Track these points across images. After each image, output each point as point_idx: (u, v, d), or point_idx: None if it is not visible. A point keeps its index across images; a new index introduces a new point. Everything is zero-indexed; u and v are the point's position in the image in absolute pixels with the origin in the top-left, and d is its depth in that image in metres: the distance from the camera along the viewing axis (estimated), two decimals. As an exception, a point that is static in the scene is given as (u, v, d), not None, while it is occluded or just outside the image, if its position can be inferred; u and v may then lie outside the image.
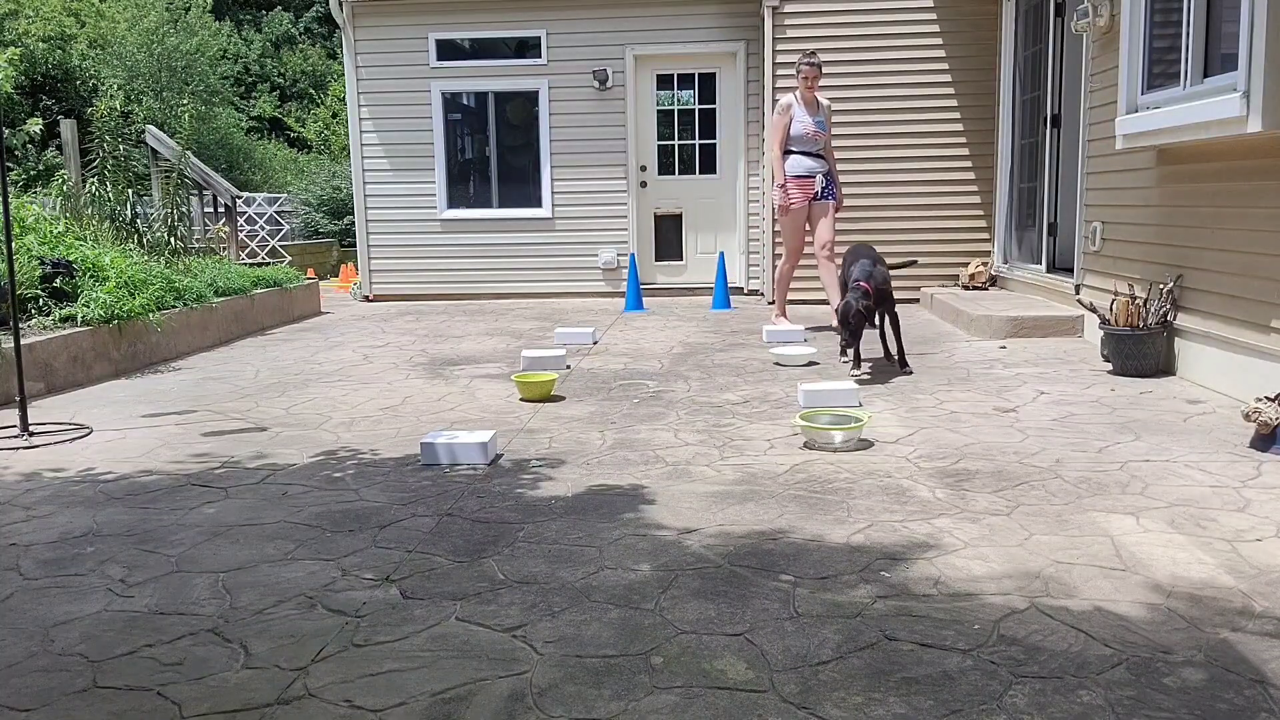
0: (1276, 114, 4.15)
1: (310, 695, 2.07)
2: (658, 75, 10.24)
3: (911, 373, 5.55)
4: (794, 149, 7.11)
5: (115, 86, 18.53)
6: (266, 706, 2.03)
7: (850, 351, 5.69)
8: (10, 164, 15.96)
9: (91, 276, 6.25)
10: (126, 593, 2.64)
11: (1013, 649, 2.20)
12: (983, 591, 2.52)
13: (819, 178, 7.14)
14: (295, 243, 14.80)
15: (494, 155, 10.48)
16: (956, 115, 9.05)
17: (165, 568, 2.82)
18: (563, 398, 5.14)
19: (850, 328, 5.33)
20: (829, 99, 7.44)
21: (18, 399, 4.51)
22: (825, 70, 8.90)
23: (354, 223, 11.12)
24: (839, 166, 9.07)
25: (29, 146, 17.17)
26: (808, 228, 7.24)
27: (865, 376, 5.48)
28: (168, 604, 2.56)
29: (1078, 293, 6.72)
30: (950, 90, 9.03)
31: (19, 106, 17.41)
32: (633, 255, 9.84)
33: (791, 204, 7.14)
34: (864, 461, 3.78)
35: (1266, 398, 3.88)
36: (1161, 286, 5.33)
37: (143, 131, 9.89)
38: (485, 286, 10.43)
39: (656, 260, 10.47)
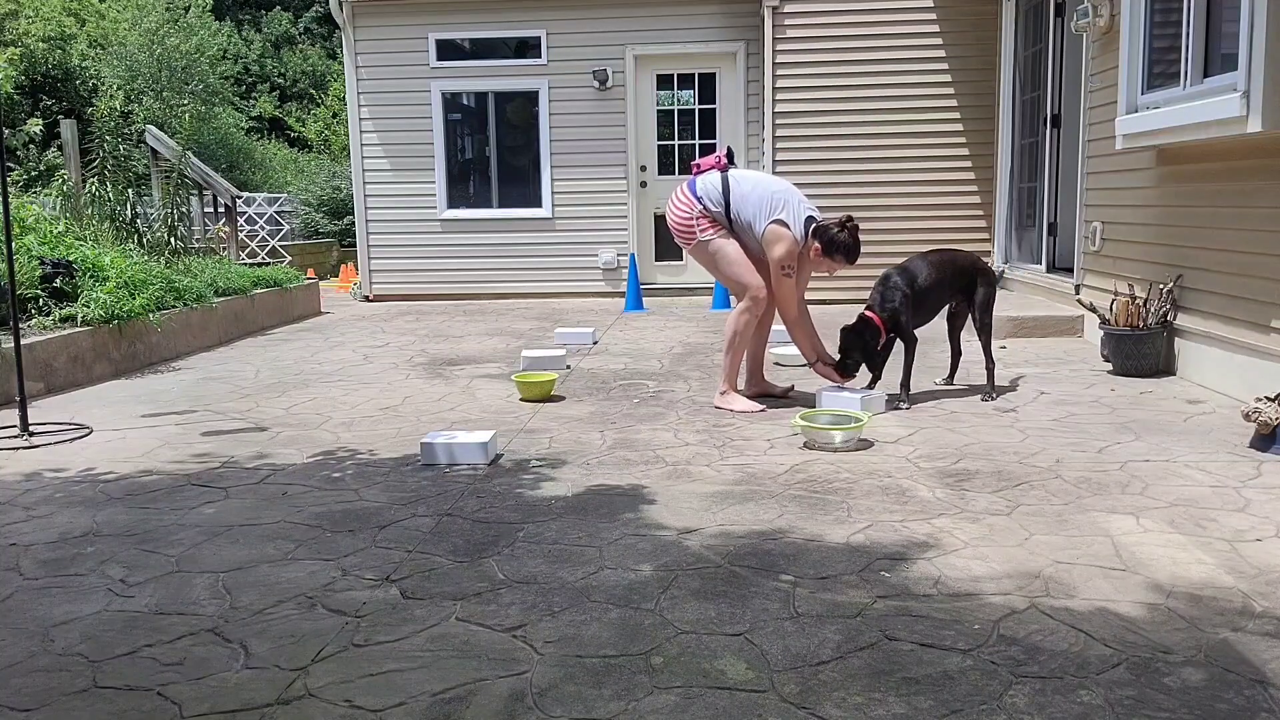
0: (1276, 114, 4.16)
1: (310, 695, 2.07)
2: (658, 75, 10.24)
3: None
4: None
5: (115, 86, 18.53)
6: (266, 706, 2.03)
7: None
8: (10, 164, 15.95)
9: (91, 276, 6.25)
10: (126, 593, 2.64)
11: (1013, 649, 2.20)
12: (983, 591, 2.52)
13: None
14: (295, 243, 14.80)
15: (494, 155, 10.48)
16: (956, 115, 9.05)
17: (165, 568, 2.82)
18: (563, 398, 5.14)
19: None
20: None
21: (18, 399, 4.51)
22: (825, 70, 9.00)
23: (354, 223, 11.13)
24: (839, 166, 9.15)
25: (29, 146, 17.17)
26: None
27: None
28: (168, 604, 2.56)
29: (1078, 293, 6.72)
30: (950, 90, 9.04)
31: (19, 106, 17.42)
32: (633, 255, 9.84)
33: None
34: (864, 461, 3.78)
35: (1266, 398, 3.88)
36: (1161, 286, 5.33)
37: (143, 131, 9.89)
38: (485, 286, 10.43)
39: (656, 260, 10.47)
